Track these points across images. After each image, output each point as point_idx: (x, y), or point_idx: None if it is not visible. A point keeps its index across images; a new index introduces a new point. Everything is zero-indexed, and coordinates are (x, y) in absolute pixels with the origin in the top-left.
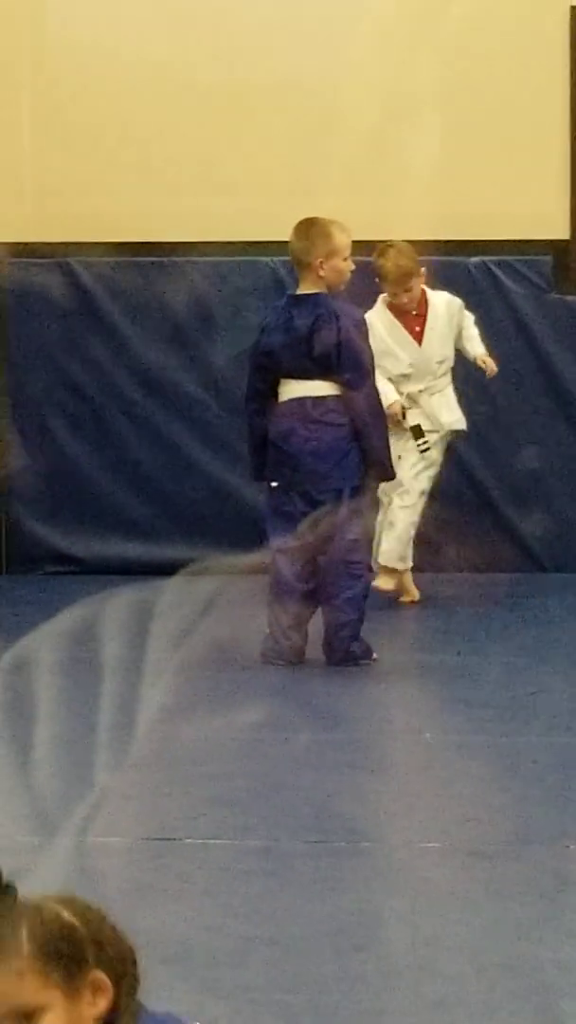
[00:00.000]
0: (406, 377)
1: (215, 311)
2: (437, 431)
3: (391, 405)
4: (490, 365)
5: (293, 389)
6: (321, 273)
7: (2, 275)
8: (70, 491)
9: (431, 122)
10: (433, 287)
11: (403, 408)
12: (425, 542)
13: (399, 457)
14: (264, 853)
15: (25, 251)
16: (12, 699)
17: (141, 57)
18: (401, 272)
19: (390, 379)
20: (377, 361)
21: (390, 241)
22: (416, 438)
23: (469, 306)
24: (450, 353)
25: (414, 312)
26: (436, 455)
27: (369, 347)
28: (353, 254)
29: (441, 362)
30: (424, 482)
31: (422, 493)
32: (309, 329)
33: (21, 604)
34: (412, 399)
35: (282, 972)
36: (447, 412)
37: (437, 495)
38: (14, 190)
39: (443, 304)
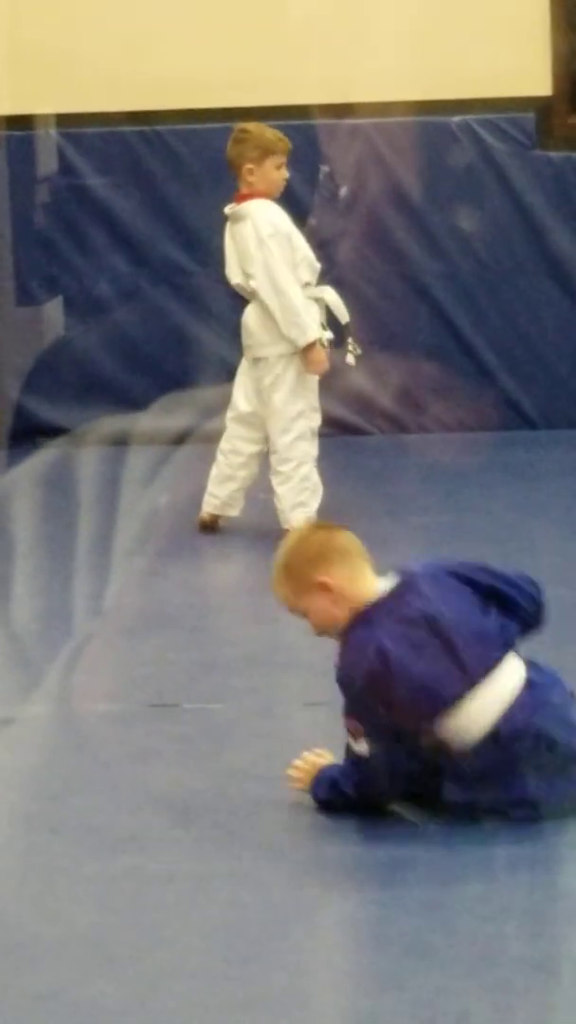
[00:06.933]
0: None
1: (199, 179)
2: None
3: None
4: None
5: None
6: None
7: None
8: (61, 364)
9: None
10: (418, 149)
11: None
12: (413, 402)
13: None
14: (261, 716)
15: (7, 123)
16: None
17: None
18: (287, 142)
19: (308, 284)
20: (299, 272)
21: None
22: (348, 336)
23: (454, 167)
24: None
25: None
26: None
27: None
28: (331, 116)
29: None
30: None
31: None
32: None
33: (16, 478)
34: (317, 299)
35: (292, 828)
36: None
37: (426, 355)
38: None
39: None
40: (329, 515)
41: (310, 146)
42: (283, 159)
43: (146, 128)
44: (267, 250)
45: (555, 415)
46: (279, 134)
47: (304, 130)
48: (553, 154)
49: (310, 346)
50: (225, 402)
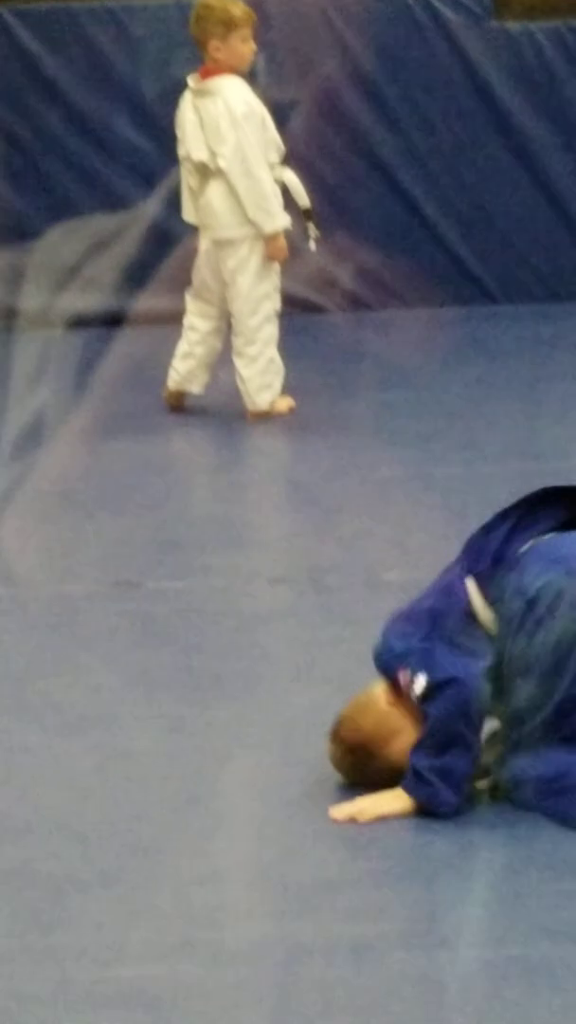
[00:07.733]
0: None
1: (151, 56)
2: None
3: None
4: None
5: None
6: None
7: None
8: (10, 241)
9: None
10: (372, 23)
11: None
12: (373, 279)
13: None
14: (224, 593)
15: None
16: None
17: None
18: (252, 15)
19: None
20: (266, 153)
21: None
22: (308, 220)
23: (411, 40)
24: None
25: None
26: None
27: None
28: None
29: None
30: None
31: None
32: None
33: None
34: (278, 180)
35: (258, 698)
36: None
37: (384, 231)
38: None
39: None
40: (291, 395)
41: (262, 21)
42: (249, 32)
43: (96, 4)
44: (241, 131)
45: (515, 289)
46: (243, 7)
47: (255, 4)
48: (510, 25)
49: (274, 233)
50: (186, 280)
